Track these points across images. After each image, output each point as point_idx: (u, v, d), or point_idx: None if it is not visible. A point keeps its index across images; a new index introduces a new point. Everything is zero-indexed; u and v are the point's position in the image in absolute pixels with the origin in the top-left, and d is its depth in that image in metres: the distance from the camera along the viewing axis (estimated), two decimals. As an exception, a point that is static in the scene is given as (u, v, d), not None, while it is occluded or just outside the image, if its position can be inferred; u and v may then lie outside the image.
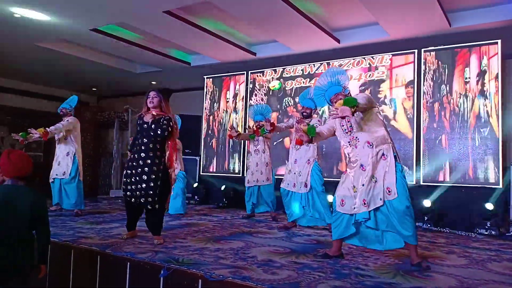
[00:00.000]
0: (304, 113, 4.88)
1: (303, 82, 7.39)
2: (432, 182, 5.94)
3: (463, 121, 5.85)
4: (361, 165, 3.28)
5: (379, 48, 6.57)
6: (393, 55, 6.54)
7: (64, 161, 5.58)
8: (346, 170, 3.48)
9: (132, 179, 3.81)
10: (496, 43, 5.73)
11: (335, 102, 3.27)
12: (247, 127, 5.71)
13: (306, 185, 4.77)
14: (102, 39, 6.96)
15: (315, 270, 3.05)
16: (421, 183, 6.00)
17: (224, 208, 7.34)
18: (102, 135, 10.97)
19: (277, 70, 7.72)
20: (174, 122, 3.89)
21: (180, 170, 5.93)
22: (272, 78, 7.77)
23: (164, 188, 3.85)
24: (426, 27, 5.86)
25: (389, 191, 3.16)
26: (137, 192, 3.78)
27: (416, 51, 6.33)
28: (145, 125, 3.84)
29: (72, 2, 5.44)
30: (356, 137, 3.32)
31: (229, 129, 5.74)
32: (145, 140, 3.82)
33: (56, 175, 5.60)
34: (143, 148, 3.81)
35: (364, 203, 3.23)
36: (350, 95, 3.39)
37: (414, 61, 6.33)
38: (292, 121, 5.17)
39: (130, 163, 3.86)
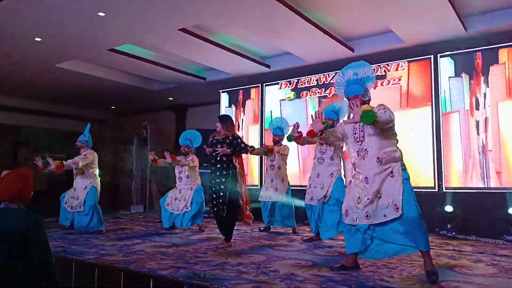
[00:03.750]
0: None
1: (318, 92, 7.38)
2: (455, 188, 5.81)
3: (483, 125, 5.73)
4: (365, 178, 3.24)
5: (394, 56, 6.53)
6: (408, 61, 6.48)
7: (83, 195, 5.66)
8: (351, 180, 3.44)
9: (213, 189, 4.51)
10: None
11: (352, 103, 3.22)
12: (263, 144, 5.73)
13: (325, 197, 4.72)
14: (120, 58, 7.13)
15: (339, 284, 3.00)
16: (444, 189, 5.88)
17: (241, 220, 7.31)
18: (121, 152, 11.14)
19: (291, 81, 7.73)
20: (238, 137, 4.60)
21: (198, 185, 5.95)
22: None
23: (232, 199, 4.46)
24: (441, 32, 5.82)
25: (396, 208, 3.09)
26: (214, 201, 4.50)
27: (432, 56, 6.26)
28: (213, 145, 4.58)
29: (91, 25, 5.60)
30: (366, 149, 3.25)
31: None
32: (214, 155, 4.53)
33: (75, 209, 5.65)
34: (217, 161, 4.53)
35: (367, 216, 3.20)
36: (369, 101, 3.36)
37: (430, 67, 6.26)
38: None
39: (210, 176, 4.59)
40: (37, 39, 6.09)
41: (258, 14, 5.37)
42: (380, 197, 3.17)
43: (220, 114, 4.93)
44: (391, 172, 3.17)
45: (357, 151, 3.30)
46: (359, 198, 3.27)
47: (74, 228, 5.75)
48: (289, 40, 6.38)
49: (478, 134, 5.74)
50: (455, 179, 5.86)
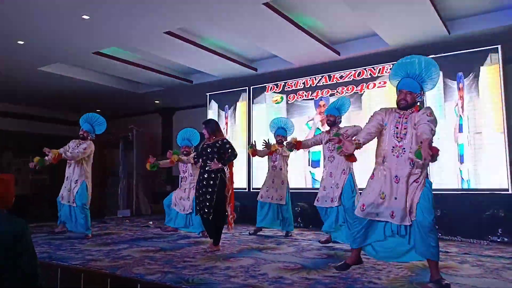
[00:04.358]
0: (328, 121, 4.85)
1: (305, 95, 7.41)
2: (440, 189, 5.88)
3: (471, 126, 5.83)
4: (396, 176, 3.11)
5: (380, 58, 6.61)
6: (393, 64, 6.52)
7: (75, 188, 5.61)
8: (373, 174, 3.29)
9: (200, 191, 4.51)
10: (496, 48, 5.73)
11: (404, 98, 3.20)
12: (263, 141, 5.66)
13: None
14: (105, 61, 7.06)
15: (327, 286, 3.01)
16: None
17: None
18: (107, 156, 11.00)
19: (278, 84, 7.75)
20: (227, 142, 4.58)
21: None
22: (274, 92, 7.80)
23: (219, 203, 4.47)
24: (425, 35, 5.90)
25: (410, 211, 3.03)
26: (201, 203, 4.47)
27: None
28: (203, 149, 4.60)
29: (75, 28, 5.53)
30: (404, 149, 3.10)
31: (253, 147, 5.75)
32: (205, 158, 4.56)
33: (68, 202, 5.61)
34: (206, 163, 4.54)
35: (392, 215, 3.09)
36: (421, 103, 3.28)
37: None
38: (320, 137, 5.03)
39: (198, 179, 4.62)
40: (19, 42, 5.99)
41: (244, 17, 5.37)
42: (406, 199, 3.06)
43: (205, 119, 4.89)
44: (418, 177, 3.08)
45: (393, 147, 3.14)
46: (383, 193, 3.12)
47: (67, 228, 5.74)
48: (276, 43, 6.40)
49: (463, 136, 5.83)
50: (441, 180, 5.92)
